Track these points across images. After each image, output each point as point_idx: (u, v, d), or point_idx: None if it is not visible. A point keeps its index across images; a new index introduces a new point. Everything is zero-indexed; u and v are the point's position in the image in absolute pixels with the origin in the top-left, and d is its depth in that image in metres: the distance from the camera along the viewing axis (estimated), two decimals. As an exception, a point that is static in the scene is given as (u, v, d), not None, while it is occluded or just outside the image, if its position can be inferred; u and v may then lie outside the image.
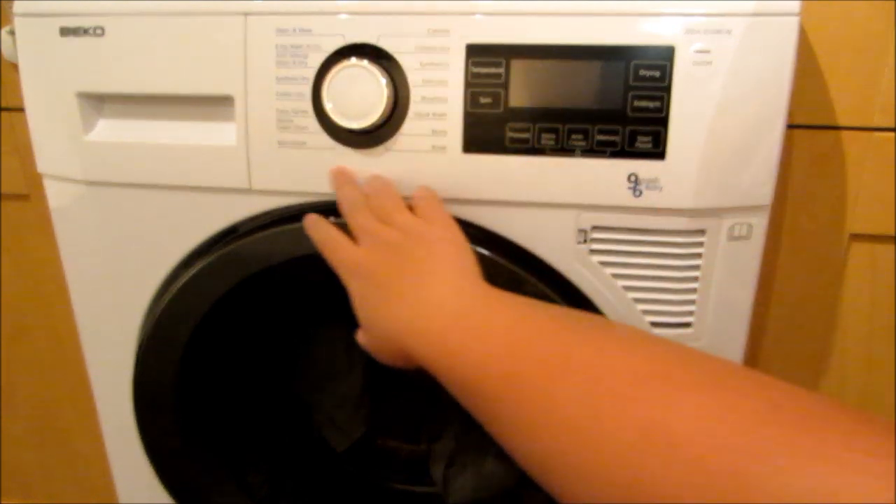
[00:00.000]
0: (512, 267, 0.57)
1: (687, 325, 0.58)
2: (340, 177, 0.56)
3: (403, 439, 0.91)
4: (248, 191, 0.59)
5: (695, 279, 0.56)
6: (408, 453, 0.91)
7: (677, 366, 0.33)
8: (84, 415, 0.92)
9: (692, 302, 0.57)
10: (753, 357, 0.69)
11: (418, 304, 0.45)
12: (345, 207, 0.54)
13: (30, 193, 0.80)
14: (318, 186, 0.58)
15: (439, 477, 0.84)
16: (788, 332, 0.68)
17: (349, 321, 0.84)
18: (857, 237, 0.63)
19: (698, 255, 0.56)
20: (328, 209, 0.59)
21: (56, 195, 0.65)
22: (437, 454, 0.86)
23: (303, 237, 0.59)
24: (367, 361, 0.86)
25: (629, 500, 0.30)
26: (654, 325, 0.58)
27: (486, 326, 0.41)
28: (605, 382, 0.33)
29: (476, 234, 0.57)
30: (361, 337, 0.51)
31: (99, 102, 0.61)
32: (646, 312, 0.58)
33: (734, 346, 0.59)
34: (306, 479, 0.84)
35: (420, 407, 0.89)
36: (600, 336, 0.37)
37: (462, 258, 0.48)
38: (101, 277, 0.67)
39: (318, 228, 0.54)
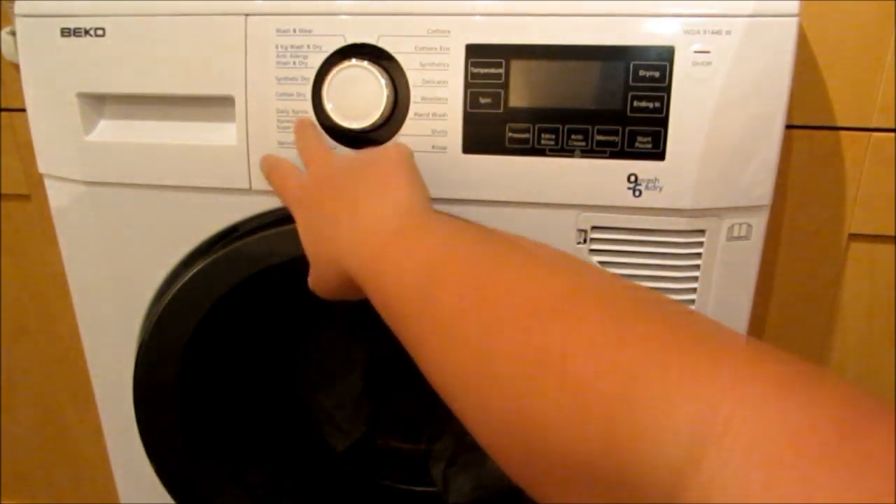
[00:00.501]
0: None
1: (686, 324, 0.58)
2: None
3: (403, 439, 0.91)
4: (249, 191, 0.59)
5: (694, 279, 0.56)
6: (408, 453, 0.91)
7: (591, 295, 0.31)
8: (85, 415, 0.92)
9: (692, 302, 0.57)
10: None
11: (361, 224, 0.44)
12: (296, 134, 0.54)
13: (30, 194, 0.80)
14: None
15: (439, 477, 0.84)
16: (787, 332, 0.68)
17: (349, 322, 0.84)
18: (855, 237, 0.63)
19: (698, 255, 0.56)
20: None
21: (57, 195, 0.65)
22: (437, 454, 0.86)
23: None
24: (368, 361, 0.87)
25: (523, 432, 0.29)
26: (654, 324, 0.58)
27: (417, 245, 0.40)
28: (511, 311, 0.32)
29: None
30: (310, 279, 0.50)
31: (100, 103, 0.61)
32: (645, 312, 0.58)
33: (734, 345, 0.59)
34: (306, 479, 0.84)
35: (420, 407, 0.89)
36: (521, 262, 0.35)
37: (412, 182, 0.46)
38: (102, 277, 0.67)
39: (266, 159, 0.54)
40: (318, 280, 0.49)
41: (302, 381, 0.86)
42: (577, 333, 0.29)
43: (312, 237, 0.48)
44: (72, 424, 0.95)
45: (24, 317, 0.89)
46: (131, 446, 0.71)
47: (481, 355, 0.32)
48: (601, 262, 0.57)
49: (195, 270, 0.62)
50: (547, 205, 0.55)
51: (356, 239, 0.43)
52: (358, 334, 0.85)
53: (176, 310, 0.63)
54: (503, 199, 0.56)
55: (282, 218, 0.60)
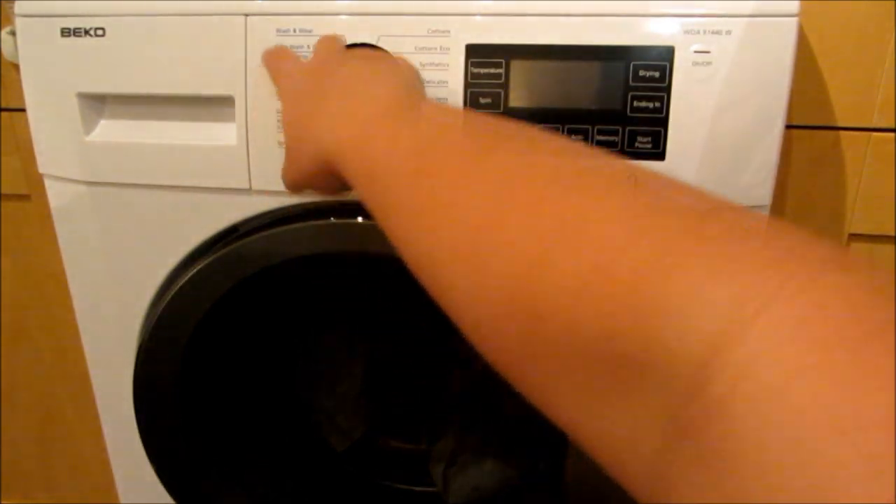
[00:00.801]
0: None
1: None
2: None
3: (403, 439, 0.91)
4: (249, 191, 0.59)
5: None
6: (408, 453, 0.91)
7: (620, 169, 0.28)
8: (85, 415, 0.92)
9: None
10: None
11: (350, 102, 0.41)
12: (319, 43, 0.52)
13: (31, 194, 0.81)
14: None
15: (439, 477, 0.84)
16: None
17: (350, 321, 0.85)
18: (855, 237, 0.63)
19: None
20: (328, 210, 0.59)
21: (57, 195, 0.65)
22: (437, 454, 0.86)
23: (303, 237, 0.59)
24: (368, 362, 0.87)
25: (526, 309, 0.25)
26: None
27: (413, 115, 0.37)
28: (524, 181, 0.28)
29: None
30: (283, 169, 0.48)
31: (100, 103, 0.61)
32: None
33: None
34: (306, 479, 0.84)
35: (420, 407, 0.89)
36: (536, 137, 0.32)
37: (413, 76, 0.46)
38: (102, 277, 0.67)
39: (268, 49, 0.52)
40: (291, 166, 0.47)
41: (302, 381, 0.86)
42: (603, 201, 0.25)
43: (294, 116, 0.46)
44: (72, 424, 0.95)
45: (24, 317, 0.89)
46: (131, 446, 0.71)
47: (484, 227, 0.28)
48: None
49: (195, 270, 0.62)
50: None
51: (344, 113, 0.40)
52: (358, 334, 0.85)
53: (176, 310, 0.63)
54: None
55: (282, 218, 0.60)
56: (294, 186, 0.50)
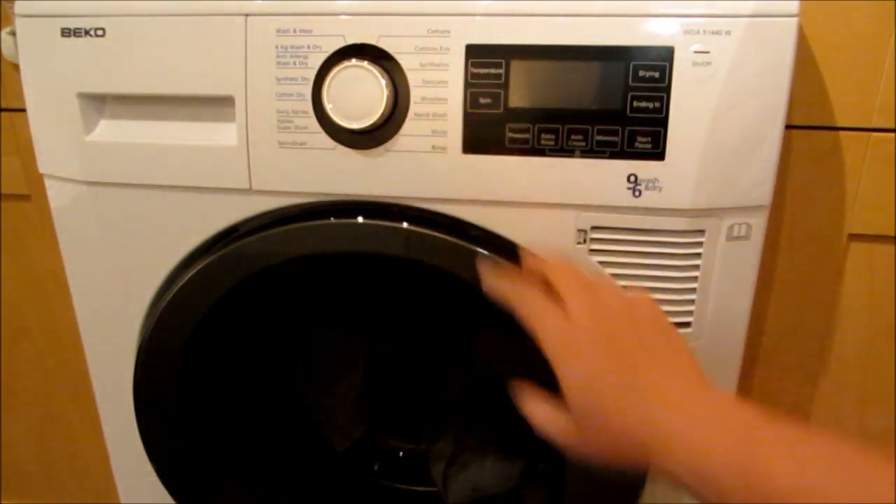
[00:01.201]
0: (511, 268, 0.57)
1: (686, 324, 0.58)
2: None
3: (403, 439, 0.91)
4: (249, 191, 0.59)
5: (694, 279, 0.56)
6: (408, 453, 0.91)
7: None
8: (85, 415, 0.92)
9: (691, 302, 0.57)
10: (752, 357, 0.69)
11: (675, 410, 0.38)
12: (545, 265, 0.47)
13: (31, 194, 0.81)
14: (319, 187, 0.58)
15: (439, 476, 0.84)
16: (787, 332, 0.68)
17: (350, 321, 0.84)
18: (855, 237, 0.63)
19: (697, 255, 0.56)
20: (328, 209, 0.59)
21: (57, 195, 0.65)
22: (437, 454, 0.86)
23: (303, 237, 0.59)
24: (368, 362, 0.87)
25: None
26: (654, 324, 0.58)
27: (763, 475, 0.35)
28: None
29: (476, 234, 0.57)
30: (574, 436, 0.43)
31: (100, 103, 0.61)
32: (645, 312, 0.58)
33: (733, 345, 0.59)
34: (306, 479, 0.84)
35: (420, 407, 0.89)
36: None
37: (685, 350, 0.43)
38: (102, 277, 0.67)
39: (512, 290, 0.46)
40: (586, 439, 0.42)
41: (302, 381, 0.86)
42: None
43: (593, 397, 0.41)
44: (72, 424, 0.95)
45: (24, 317, 0.89)
46: (131, 446, 0.71)
47: None
48: (601, 263, 0.57)
49: (195, 270, 0.62)
50: (547, 205, 0.55)
51: (669, 403, 0.39)
52: (358, 334, 0.85)
53: (176, 310, 0.63)
54: (503, 199, 0.56)
55: (282, 218, 0.60)
56: (585, 457, 0.43)
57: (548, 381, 0.44)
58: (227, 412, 0.75)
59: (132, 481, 0.79)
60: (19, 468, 1.01)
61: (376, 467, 0.89)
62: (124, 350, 0.68)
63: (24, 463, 1.00)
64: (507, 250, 0.57)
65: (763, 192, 0.54)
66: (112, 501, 0.90)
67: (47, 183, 0.65)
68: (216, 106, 0.58)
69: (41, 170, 0.64)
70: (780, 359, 0.69)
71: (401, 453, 0.91)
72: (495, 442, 0.85)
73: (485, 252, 0.57)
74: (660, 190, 0.53)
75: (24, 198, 0.81)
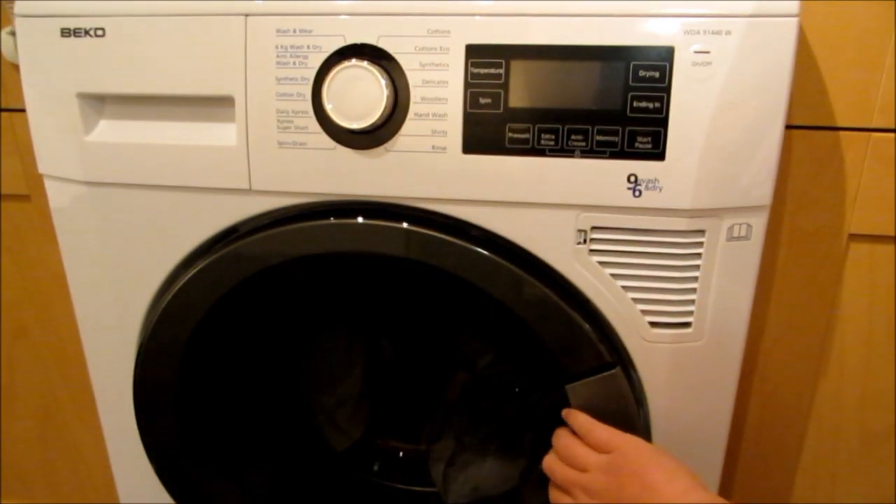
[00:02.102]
0: (512, 268, 0.57)
1: (686, 324, 0.58)
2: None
3: (403, 440, 0.91)
4: (249, 191, 0.59)
5: (694, 279, 0.56)
6: (408, 453, 0.91)
7: None
8: (85, 415, 0.92)
9: (691, 302, 0.57)
10: (752, 357, 0.69)
11: None
12: (547, 472, 0.60)
13: (30, 194, 0.80)
14: (318, 187, 0.58)
15: (439, 477, 0.84)
16: (787, 332, 0.68)
17: (350, 321, 0.84)
18: (855, 237, 0.63)
19: (698, 256, 0.56)
20: (328, 210, 0.59)
21: (56, 196, 0.65)
22: (437, 454, 0.86)
23: (303, 237, 0.59)
24: (368, 362, 0.87)
25: None
26: (654, 324, 0.58)
27: None
28: None
29: (476, 234, 0.57)
30: None
31: (99, 103, 0.61)
32: (645, 312, 0.58)
33: (733, 345, 0.59)
34: (306, 479, 0.84)
35: (420, 407, 0.89)
36: None
37: (662, 463, 0.52)
38: (102, 277, 0.67)
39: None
40: None
41: (302, 381, 0.86)
42: None
43: None
44: (72, 425, 0.95)
45: (24, 317, 0.89)
46: (131, 446, 0.71)
47: None
48: (601, 263, 0.57)
49: (195, 271, 0.62)
50: (547, 205, 0.55)
51: None
52: (358, 335, 0.85)
53: (176, 310, 0.63)
54: (503, 199, 0.56)
55: (282, 218, 0.60)
56: None
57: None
58: (226, 412, 0.75)
59: (132, 481, 0.79)
60: (20, 468, 1.01)
61: (376, 468, 0.89)
62: (124, 350, 0.68)
63: (25, 462, 1.00)
64: (505, 250, 0.57)
65: (763, 192, 0.54)
66: (112, 501, 0.90)
67: (47, 183, 0.65)
68: (216, 106, 0.58)
69: (41, 170, 0.64)
70: (779, 359, 0.69)
71: (400, 454, 0.91)
72: (495, 442, 0.85)
73: (485, 252, 0.57)
74: (660, 190, 0.53)
75: (24, 198, 0.81)
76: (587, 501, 0.55)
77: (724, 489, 0.71)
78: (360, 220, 0.58)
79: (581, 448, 0.58)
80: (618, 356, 0.59)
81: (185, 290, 0.62)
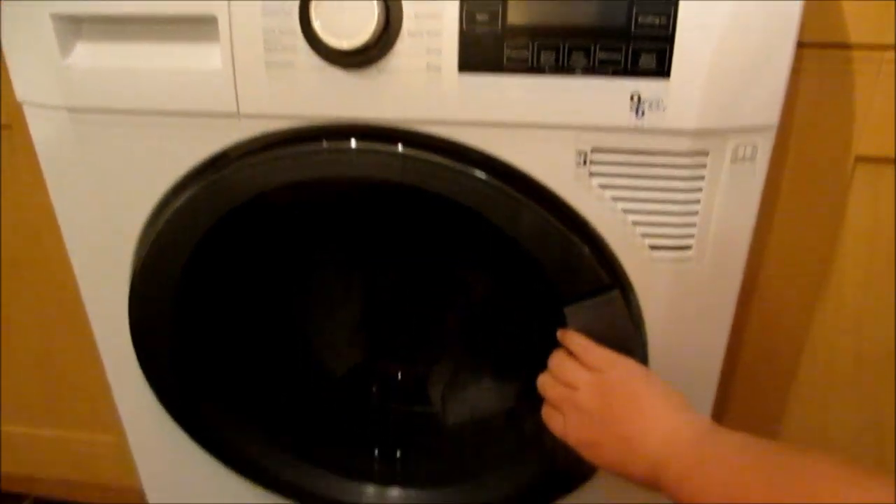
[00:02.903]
0: (510, 191, 0.56)
1: (687, 247, 0.57)
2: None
3: (402, 363, 0.92)
4: (236, 115, 0.57)
5: (696, 202, 0.55)
6: (406, 377, 0.92)
7: None
8: (83, 345, 0.92)
9: (693, 225, 0.56)
10: (752, 280, 0.69)
11: (663, 421, 0.51)
12: (540, 390, 0.61)
13: (11, 123, 0.78)
14: (309, 110, 0.56)
15: (437, 398, 0.86)
16: (788, 256, 0.67)
17: (347, 248, 0.84)
18: (862, 159, 0.62)
19: (700, 178, 0.54)
20: (320, 134, 0.57)
21: (37, 124, 0.63)
22: (436, 377, 0.87)
23: (295, 163, 0.58)
24: (366, 288, 0.86)
25: None
26: (654, 247, 0.57)
27: (714, 473, 0.46)
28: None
29: (473, 157, 0.56)
30: (597, 455, 0.55)
31: (75, 24, 0.58)
32: (645, 235, 0.57)
33: (734, 269, 0.59)
34: (306, 402, 0.85)
35: (418, 332, 0.89)
36: (811, 476, 0.41)
37: (653, 386, 0.54)
38: (90, 207, 0.66)
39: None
40: (617, 463, 0.54)
41: (300, 308, 0.86)
42: None
43: (590, 455, 0.56)
44: (71, 356, 0.95)
45: (13, 250, 0.88)
46: (132, 374, 0.72)
47: None
48: (601, 185, 0.55)
49: (185, 198, 0.60)
50: (546, 126, 0.54)
51: (662, 457, 0.50)
52: (356, 261, 0.85)
53: (168, 238, 0.62)
54: (500, 120, 0.54)
55: (272, 143, 0.58)
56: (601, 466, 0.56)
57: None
58: (224, 339, 0.75)
59: (135, 408, 0.80)
60: (23, 400, 1.02)
61: (374, 390, 0.91)
62: (118, 280, 0.68)
63: (28, 394, 1.01)
64: (503, 173, 0.56)
65: (771, 112, 0.52)
66: (117, 430, 0.92)
67: (27, 111, 0.62)
68: (199, 25, 0.55)
69: (19, 97, 0.62)
70: (779, 282, 0.69)
71: (399, 376, 0.92)
72: (492, 365, 0.86)
73: (483, 176, 0.56)
74: (664, 110, 0.51)
75: (6, 127, 0.78)
76: (577, 418, 0.56)
77: (717, 411, 0.72)
78: (353, 143, 0.57)
79: (574, 367, 0.59)
80: (616, 279, 0.59)
81: (176, 219, 0.61)
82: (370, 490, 0.77)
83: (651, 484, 0.51)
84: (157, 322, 0.68)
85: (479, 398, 0.85)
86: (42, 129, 0.63)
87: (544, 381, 0.61)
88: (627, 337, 0.60)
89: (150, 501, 0.90)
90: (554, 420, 0.59)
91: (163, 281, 0.64)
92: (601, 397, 0.55)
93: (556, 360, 0.61)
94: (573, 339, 0.60)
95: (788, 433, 0.78)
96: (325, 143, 0.57)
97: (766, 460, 0.44)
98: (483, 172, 0.56)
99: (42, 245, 0.86)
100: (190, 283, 0.65)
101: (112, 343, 0.74)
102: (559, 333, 0.61)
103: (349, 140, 0.57)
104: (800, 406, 0.76)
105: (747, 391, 0.76)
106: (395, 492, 0.77)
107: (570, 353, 0.60)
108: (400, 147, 0.56)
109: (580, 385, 0.57)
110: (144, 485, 0.88)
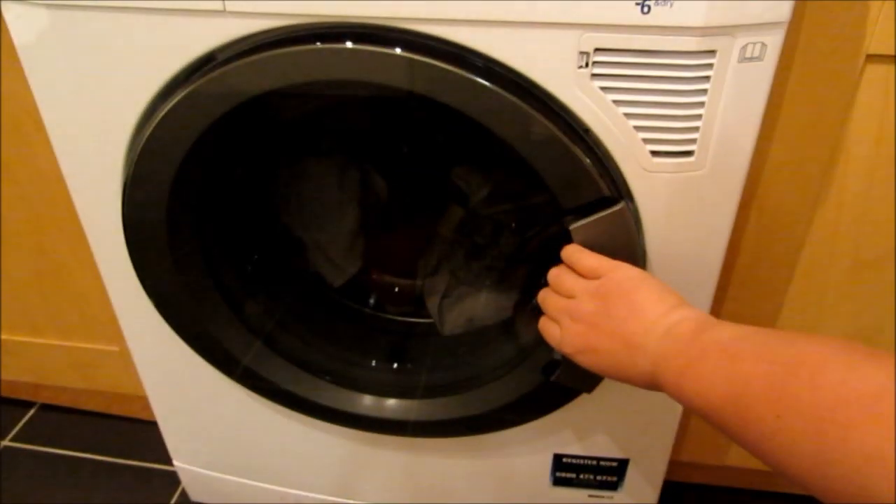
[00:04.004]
0: (516, 102, 0.53)
1: (689, 153, 0.56)
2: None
3: (399, 274, 0.92)
4: (223, 13, 0.55)
5: (700, 105, 0.54)
6: (403, 288, 0.92)
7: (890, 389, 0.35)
8: (80, 252, 0.92)
9: (696, 129, 0.55)
10: (752, 185, 0.68)
11: (649, 343, 0.50)
12: (540, 304, 0.62)
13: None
14: (299, 6, 0.53)
15: (435, 309, 0.86)
16: (791, 160, 0.66)
17: (341, 157, 0.82)
18: (873, 58, 0.60)
19: (706, 79, 0.52)
20: (313, 35, 0.55)
21: (15, 21, 0.60)
22: (433, 288, 0.87)
23: (287, 65, 0.55)
24: (361, 198, 0.85)
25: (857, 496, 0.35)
26: (655, 153, 0.56)
27: (716, 370, 0.45)
28: (824, 413, 0.37)
29: (471, 59, 0.54)
30: (598, 362, 0.55)
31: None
32: (647, 141, 0.55)
33: (735, 174, 0.58)
34: (303, 312, 0.85)
35: (415, 242, 0.89)
36: (812, 363, 0.40)
37: (650, 286, 0.53)
38: (77, 111, 0.64)
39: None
40: (615, 366, 0.54)
41: (295, 217, 0.86)
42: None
43: (589, 362, 0.56)
44: (68, 262, 0.95)
45: (3, 157, 0.86)
46: (128, 281, 0.72)
47: (810, 459, 0.37)
48: (603, 88, 0.54)
49: (172, 104, 0.58)
50: (545, 24, 0.51)
51: (658, 353, 0.50)
52: (350, 170, 0.83)
53: (159, 143, 0.61)
54: (495, 18, 0.51)
55: (262, 44, 0.56)
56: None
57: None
58: (220, 246, 0.75)
59: (133, 316, 0.80)
60: (24, 307, 1.03)
61: (372, 301, 0.91)
62: (109, 186, 0.67)
63: (28, 302, 1.02)
64: (499, 76, 0.54)
65: (783, 7, 0.50)
66: (116, 336, 0.93)
67: (3, 6, 0.59)
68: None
69: (-7, -9, 0.58)
70: (780, 186, 0.68)
71: (396, 289, 0.92)
72: (490, 276, 0.86)
73: (487, 84, 0.53)
74: (671, 5, 0.49)
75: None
76: (573, 326, 0.56)
77: (713, 314, 0.73)
78: (349, 44, 0.54)
79: (571, 277, 0.58)
80: (616, 188, 0.58)
81: (165, 124, 0.59)
82: (367, 400, 0.79)
83: (651, 383, 0.51)
84: (152, 231, 0.67)
85: (476, 309, 0.86)
86: (20, 27, 0.60)
87: (544, 296, 0.61)
88: (631, 249, 0.60)
89: (156, 410, 0.92)
90: (551, 330, 0.60)
91: (155, 187, 0.63)
92: (599, 301, 0.55)
93: (554, 272, 0.61)
94: (569, 251, 0.60)
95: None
96: (318, 45, 0.54)
97: (766, 348, 0.43)
98: (479, 76, 0.53)
99: (32, 150, 0.85)
100: (183, 188, 0.64)
101: (108, 251, 0.74)
102: (562, 250, 0.61)
103: (344, 41, 0.54)
104: (795, 306, 0.77)
105: (743, 295, 0.77)
106: (391, 402, 0.79)
107: (569, 267, 0.59)
108: (398, 50, 0.53)
109: (577, 293, 0.57)
110: (149, 393, 0.90)
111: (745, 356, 0.43)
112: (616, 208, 0.57)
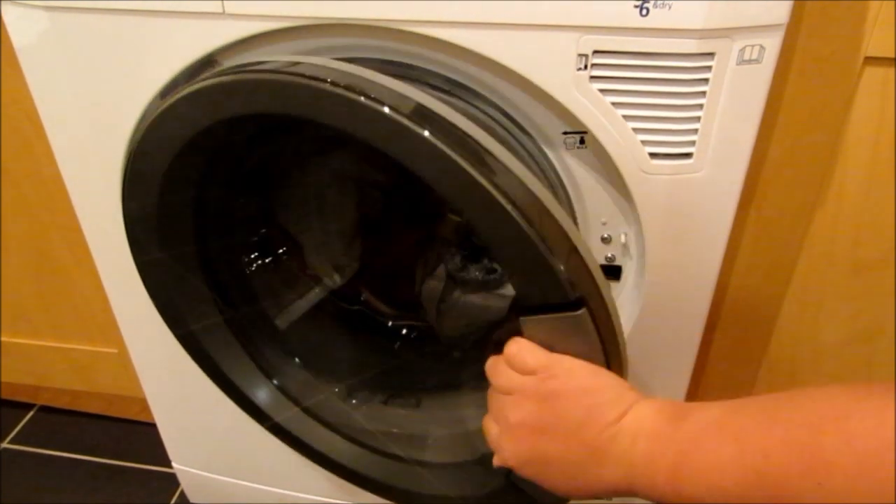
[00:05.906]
0: (490, 191, 0.52)
1: (687, 155, 0.56)
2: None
3: (396, 277, 0.92)
4: (222, 15, 0.55)
5: (699, 107, 0.54)
6: (401, 289, 0.92)
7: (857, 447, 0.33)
8: (79, 253, 0.92)
9: (694, 131, 0.55)
10: (751, 187, 0.68)
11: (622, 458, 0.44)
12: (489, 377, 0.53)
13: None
14: (298, 9, 0.54)
15: (432, 313, 0.86)
16: (790, 161, 0.66)
17: (339, 156, 0.82)
18: (871, 60, 0.60)
19: (705, 81, 0.53)
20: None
21: (15, 24, 0.60)
22: (429, 292, 0.87)
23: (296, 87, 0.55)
24: (359, 202, 0.85)
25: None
26: (654, 155, 0.56)
27: (699, 473, 0.40)
28: (872, 461, 0.33)
29: (469, 59, 0.54)
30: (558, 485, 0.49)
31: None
32: (646, 143, 0.56)
33: (734, 176, 0.58)
34: (304, 319, 0.85)
35: (413, 245, 0.89)
36: (834, 416, 0.36)
37: (604, 381, 0.47)
38: (76, 113, 0.64)
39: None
40: (573, 478, 0.47)
41: (292, 217, 0.86)
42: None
43: (534, 473, 0.49)
44: (67, 264, 0.95)
45: (2, 160, 0.87)
46: (128, 285, 0.72)
47: None
48: (602, 91, 0.54)
49: (169, 107, 0.58)
50: (544, 26, 0.51)
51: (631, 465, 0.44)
52: (348, 172, 0.84)
53: (155, 149, 0.61)
54: (494, 20, 0.51)
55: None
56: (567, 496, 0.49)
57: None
58: (219, 246, 0.75)
59: (132, 317, 0.80)
60: (22, 310, 1.03)
61: (362, 297, 0.91)
62: (109, 186, 0.67)
63: (27, 304, 1.02)
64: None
65: (781, 9, 0.50)
66: (114, 339, 0.93)
67: (3, 8, 0.60)
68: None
69: (-7, -6, 0.59)
70: (778, 188, 0.68)
71: (391, 293, 0.92)
72: (487, 278, 0.86)
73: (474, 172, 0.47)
74: (669, 7, 0.49)
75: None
76: (509, 433, 0.49)
77: (710, 319, 0.73)
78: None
79: (508, 373, 0.50)
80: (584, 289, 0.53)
81: (162, 128, 0.59)
82: (363, 409, 0.79)
83: (625, 490, 0.44)
84: (150, 228, 0.66)
85: (473, 312, 0.86)
86: (21, 32, 0.60)
87: (493, 371, 0.53)
88: (589, 359, 0.50)
89: (155, 412, 0.92)
90: (489, 435, 0.51)
91: (154, 186, 0.63)
92: (539, 402, 0.47)
93: (491, 364, 0.53)
94: (512, 347, 0.51)
95: (780, 340, 0.79)
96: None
97: (771, 415, 0.38)
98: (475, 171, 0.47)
99: (31, 154, 0.85)
100: (181, 186, 0.64)
101: (108, 255, 0.74)
102: (506, 344, 0.52)
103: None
104: (793, 310, 0.77)
105: (741, 297, 0.76)
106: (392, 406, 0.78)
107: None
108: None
109: (514, 390, 0.49)
110: (148, 395, 0.90)
111: (749, 429, 0.38)
112: (577, 313, 0.49)
